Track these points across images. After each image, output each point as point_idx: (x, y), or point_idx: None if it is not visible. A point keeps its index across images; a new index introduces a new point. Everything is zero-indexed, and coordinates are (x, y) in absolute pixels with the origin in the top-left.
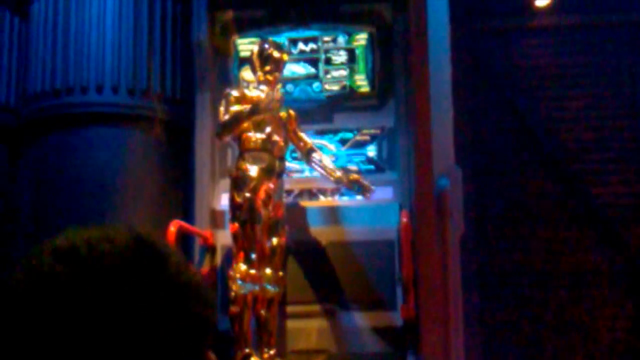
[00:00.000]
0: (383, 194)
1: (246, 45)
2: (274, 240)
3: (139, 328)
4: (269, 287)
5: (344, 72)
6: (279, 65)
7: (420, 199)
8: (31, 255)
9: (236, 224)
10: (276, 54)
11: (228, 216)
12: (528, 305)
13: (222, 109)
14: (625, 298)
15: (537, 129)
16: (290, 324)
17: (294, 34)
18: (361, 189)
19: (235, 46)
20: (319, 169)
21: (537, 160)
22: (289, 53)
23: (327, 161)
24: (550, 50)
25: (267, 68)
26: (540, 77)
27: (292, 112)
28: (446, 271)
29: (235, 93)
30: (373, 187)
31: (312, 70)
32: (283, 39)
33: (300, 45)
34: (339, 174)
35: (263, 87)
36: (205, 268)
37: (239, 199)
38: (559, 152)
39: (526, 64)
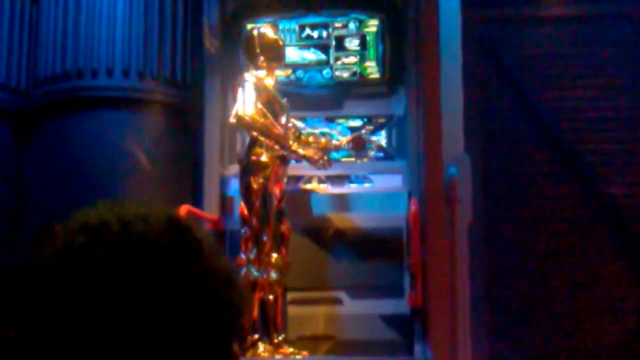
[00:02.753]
0: (392, 181)
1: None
2: (282, 226)
3: (172, 312)
4: (277, 273)
5: (354, 59)
6: (279, 52)
7: (430, 187)
8: (59, 232)
9: (248, 209)
10: (281, 42)
11: (238, 201)
12: (536, 293)
13: (240, 96)
14: (636, 296)
15: (548, 118)
16: (298, 310)
17: (304, 20)
18: (362, 146)
19: (246, 32)
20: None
21: (547, 149)
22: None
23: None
24: (562, 40)
25: (271, 55)
26: (552, 66)
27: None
28: (454, 259)
29: (253, 80)
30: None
31: (323, 56)
32: (294, 24)
33: (311, 31)
34: (337, 141)
35: (261, 72)
36: None
37: (254, 185)
38: (570, 141)
39: (538, 53)
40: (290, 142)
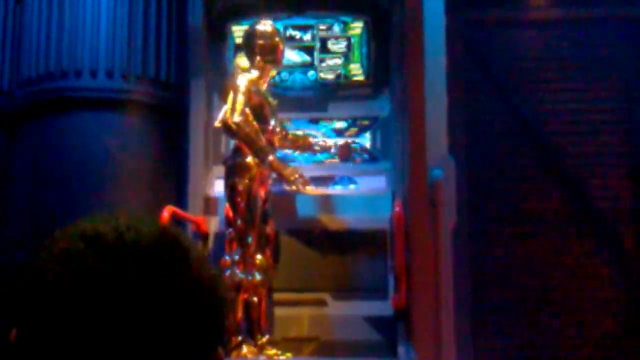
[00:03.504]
0: (376, 183)
1: (242, 32)
2: (267, 228)
3: (159, 318)
4: (261, 275)
5: (339, 61)
6: (280, 55)
7: (414, 188)
8: (57, 239)
9: (233, 211)
10: (281, 45)
11: (222, 203)
12: (519, 296)
13: (230, 99)
14: (618, 293)
15: (532, 121)
16: (282, 311)
17: (289, 21)
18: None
19: (231, 32)
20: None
21: (530, 152)
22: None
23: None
24: (546, 43)
25: (269, 58)
26: (535, 70)
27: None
28: (438, 261)
29: (245, 82)
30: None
31: (307, 58)
32: (279, 26)
33: (296, 33)
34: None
35: (256, 72)
36: None
37: (239, 186)
38: (553, 144)
39: (521, 56)
40: (271, 158)
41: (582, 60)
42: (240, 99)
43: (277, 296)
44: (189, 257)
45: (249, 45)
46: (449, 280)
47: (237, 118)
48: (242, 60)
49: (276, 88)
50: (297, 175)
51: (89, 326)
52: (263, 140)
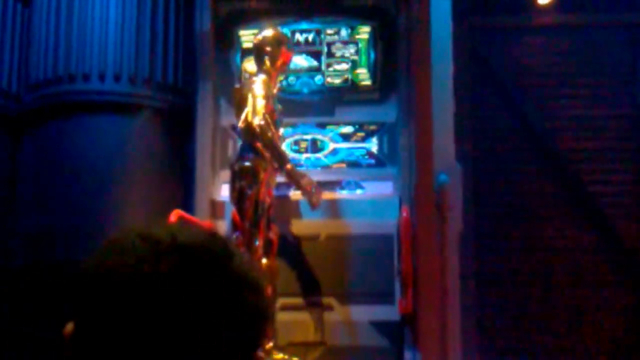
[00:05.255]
0: (383, 188)
1: (249, 37)
2: (270, 233)
3: (209, 312)
4: (266, 279)
5: (346, 66)
6: (288, 60)
7: (420, 194)
8: (113, 239)
9: (240, 215)
10: (289, 51)
11: (229, 207)
12: (525, 300)
13: (250, 101)
14: (622, 294)
15: (537, 127)
16: (289, 316)
17: (297, 26)
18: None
19: (238, 37)
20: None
21: (536, 158)
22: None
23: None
24: (551, 49)
25: (277, 63)
26: (541, 75)
27: None
28: (444, 266)
29: (265, 88)
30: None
31: (315, 62)
32: (286, 30)
33: (303, 38)
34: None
35: (263, 76)
36: None
37: (245, 191)
38: (559, 149)
39: (527, 62)
40: (289, 166)
41: (588, 65)
42: (261, 102)
43: (283, 301)
44: (236, 259)
45: (258, 51)
46: (455, 285)
47: (260, 121)
48: (249, 65)
49: (283, 93)
50: (313, 186)
51: (145, 315)
52: (283, 146)
